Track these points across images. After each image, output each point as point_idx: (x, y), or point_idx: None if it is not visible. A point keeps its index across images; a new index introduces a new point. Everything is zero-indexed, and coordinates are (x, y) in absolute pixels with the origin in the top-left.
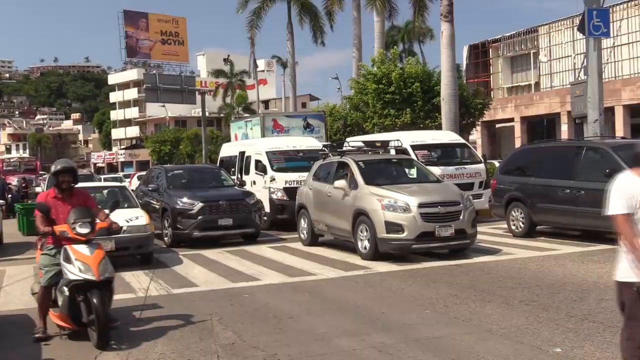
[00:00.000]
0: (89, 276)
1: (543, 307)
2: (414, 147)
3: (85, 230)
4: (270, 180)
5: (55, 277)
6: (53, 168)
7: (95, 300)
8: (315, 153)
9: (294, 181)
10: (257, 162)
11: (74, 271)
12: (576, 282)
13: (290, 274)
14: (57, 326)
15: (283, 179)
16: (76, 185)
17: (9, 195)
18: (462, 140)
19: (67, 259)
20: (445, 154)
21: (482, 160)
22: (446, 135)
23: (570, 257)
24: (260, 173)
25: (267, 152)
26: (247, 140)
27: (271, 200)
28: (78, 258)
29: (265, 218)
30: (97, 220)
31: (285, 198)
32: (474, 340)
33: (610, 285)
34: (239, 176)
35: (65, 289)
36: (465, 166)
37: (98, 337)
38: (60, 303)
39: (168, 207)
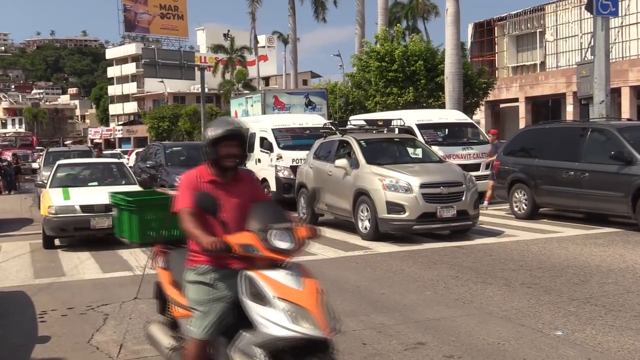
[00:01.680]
0: (311, 331)
1: (545, 289)
2: (420, 126)
3: (286, 245)
4: (277, 159)
5: (220, 322)
6: (212, 133)
7: None
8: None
9: (300, 159)
10: (263, 139)
11: (278, 320)
12: (578, 265)
13: None
14: None
15: (290, 157)
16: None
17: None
18: (470, 120)
19: (257, 297)
20: (451, 133)
21: (489, 141)
22: (453, 114)
23: (572, 240)
24: (265, 150)
25: (273, 129)
26: (250, 117)
27: (277, 179)
28: (282, 296)
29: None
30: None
31: (292, 177)
32: (475, 322)
33: (613, 268)
34: None
35: (260, 352)
36: (472, 146)
37: None
38: None
39: (166, 184)
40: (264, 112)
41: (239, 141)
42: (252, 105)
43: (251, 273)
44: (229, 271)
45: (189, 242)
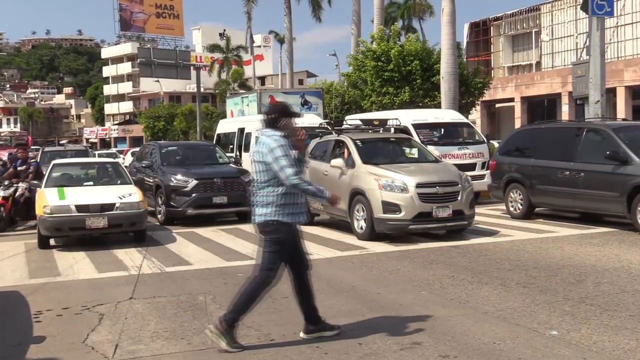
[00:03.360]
0: None
1: (540, 289)
2: (416, 126)
3: None
4: None
5: None
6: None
7: None
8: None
9: None
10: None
11: None
12: (574, 265)
13: None
14: None
15: None
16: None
17: None
18: (465, 120)
19: None
20: (447, 133)
21: (485, 141)
22: (449, 114)
23: (568, 240)
24: None
25: None
26: (246, 117)
27: None
28: None
29: None
30: None
31: None
32: (470, 322)
33: (608, 268)
34: (238, 153)
35: None
36: (468, 146)
37: None
38: None
39: (162, 184)
40: (260, 112)
41: None
42: (248, 105)
43: None
44: None
45: None
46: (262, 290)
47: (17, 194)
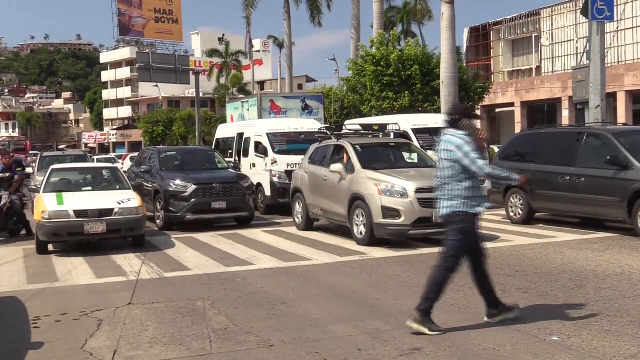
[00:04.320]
0: None
1: (540, 295)
2: (415, 131)
3: None
4: (272, 163)
5: None
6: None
7: None
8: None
9: (295, 164)
10: (257, 144)
11: None
12: (574, 270)
13: (285, 258)
14: None
15: (285, 161)
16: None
17: None
18: None
19: None
20: None
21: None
22: None
23: (568, 245)
24: (260, 155)
25: (268, 134)
26: (246, 122)
27: (272, 184)
28: None
29: (262, 204)
30: None
31: (287, 181)
32: (470, 327)
33: (609, 273)
34: (237, 158)
35: None
36: None
37: None
38: None
39: (161, 189)
40: (260, 117)
41: None
42: (248, 110)
43: None
44: None
45: None
46: (450, 277)
47: (0, 204)
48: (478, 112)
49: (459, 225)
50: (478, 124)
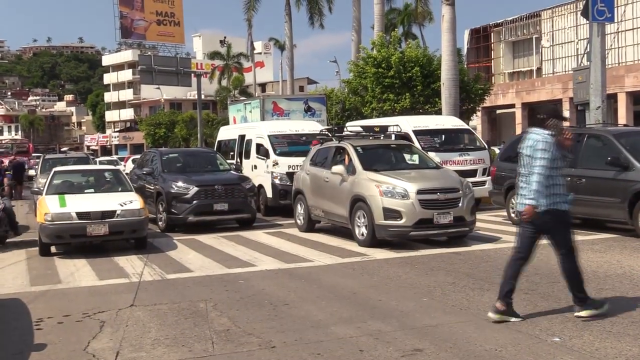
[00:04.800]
0: None
1: (542, 296)
2: (416, 133)
3: None
4: (273, 165)
5: None
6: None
7: None
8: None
9: (297, 166)
10: (259, 145)
11: None
12: None
13: (286, 260)
14: None
15: (286, 163)
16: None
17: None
18: (466, 126)
19: None
20: (448, 139)
21: (486, 147)
22: (449, 121)
23: None
24: (262, 157)
25: (269, 136)
26: (247, 124)
27: (274, 185)
28: None
29: (263, 205)
30: None
31: (288, 183)
32: (472, 328)
33: (610, 274)
34: (238, 160)
35: None
36: (469, 152)
37: None
38: None
39: (163, 191)
40: (262, 118)
41: None
42: (250, 111)
43: None
44: None
45: None
46: (577, 263)
47: None
48: (479, 114)
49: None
50: (563, 124)
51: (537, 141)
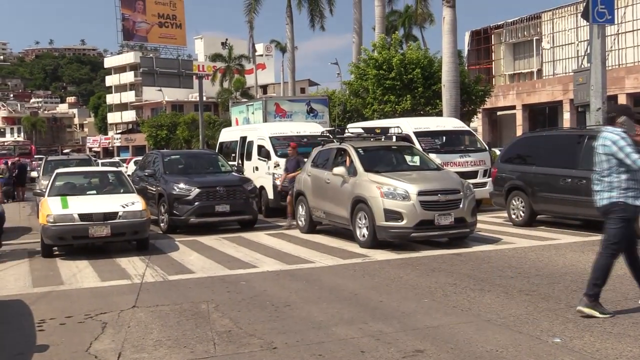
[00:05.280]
0: None
1: (543, 297)
2: (417, 134)
3: None
4: (275, 166)
5: None
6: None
7: None
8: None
9: None
10: (260, 147)
11: None
12: (576, 272)
13: (288, 261)
14: None
15: None
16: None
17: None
18: (467, 128)
19: None
20: (449, 141)
21: (487, 148)
22: (450, 122)
23: (570, 247)
24: (263, 159)
25: (270, 137)
26: (248, 125)
27: (275, 187)
28: None
29: (263, 206)
30: None
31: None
32: (473, 329)
33: (611, 275)
34: (240, 162)
35: None
36: (470, 154)
37: None
38: None
39: (164, 193)
40: (265, 120)
41: None
42: (253, 113)
43: None
44: None
45: None
46: (613, 262)
47: None
48: (479, 115)
49: (619, 214)
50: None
51: (611, 139)
